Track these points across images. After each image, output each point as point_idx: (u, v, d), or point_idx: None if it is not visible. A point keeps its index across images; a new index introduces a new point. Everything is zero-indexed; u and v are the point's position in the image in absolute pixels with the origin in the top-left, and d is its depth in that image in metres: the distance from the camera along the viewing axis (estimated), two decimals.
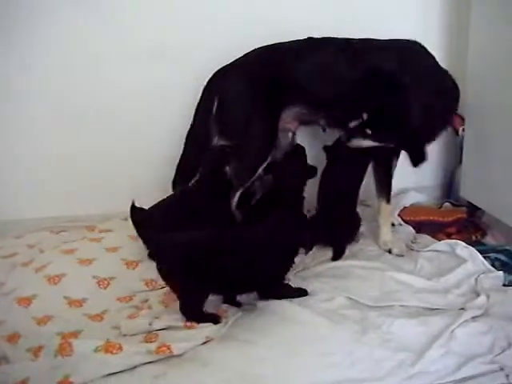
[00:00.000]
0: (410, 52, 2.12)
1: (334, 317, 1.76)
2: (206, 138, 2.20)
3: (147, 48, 2.39)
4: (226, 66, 2.22)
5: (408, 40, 2.14)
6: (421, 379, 1.54)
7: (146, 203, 2.12)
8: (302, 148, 2.30)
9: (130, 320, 1.79)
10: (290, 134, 2.33)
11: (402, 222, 2.45)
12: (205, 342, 1.67)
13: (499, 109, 2.18)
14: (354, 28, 2.23)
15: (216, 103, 2.18)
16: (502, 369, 1.57)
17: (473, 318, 1.73)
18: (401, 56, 2.07)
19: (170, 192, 2.25)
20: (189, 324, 1.75)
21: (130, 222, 2.22)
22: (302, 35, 2.18)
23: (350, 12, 2.48)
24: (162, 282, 1.99)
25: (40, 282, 1.95)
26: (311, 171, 2.27)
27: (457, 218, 2.47)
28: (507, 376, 1.55)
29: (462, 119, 2.66)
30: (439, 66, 2.14)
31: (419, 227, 2.44)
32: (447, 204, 2.65)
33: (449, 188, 2.75)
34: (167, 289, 1.92)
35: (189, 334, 1.71)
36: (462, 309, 1.81)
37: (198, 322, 1.73)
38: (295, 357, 1.61)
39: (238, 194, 2.17)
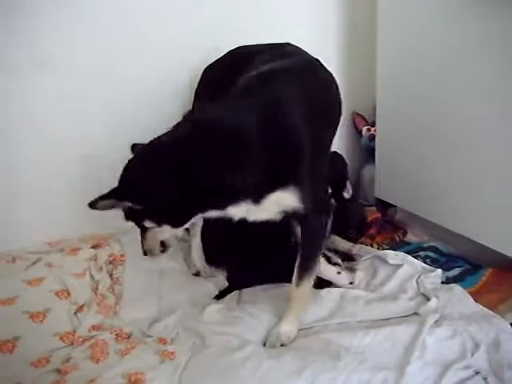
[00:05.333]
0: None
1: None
2: None
3: None
4: None
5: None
6: None
7: None
8: None
9: None
10: None
11: None
12: None
13: (409, 107, 2.18)
14: None
15: None
16: (477, 372, 1.52)
17: (435, 322, 1.67)
18: None
19: None
20: (133, 379, 1.44)
21: (19, 264, 1.90)
22: None
23: None
24: (82, 333, 1.65)
25: None
26: None
27: (373, 219, 2.44)
28: (485, 379, 1.49)
29: (364, 119, 2.67)
30: None
31: None
32: None
33: (357, 189, 2.71)
34: (94, 340, 1.60)
35: None
36: (416, 313, 1.74)
37: None
38: None
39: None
